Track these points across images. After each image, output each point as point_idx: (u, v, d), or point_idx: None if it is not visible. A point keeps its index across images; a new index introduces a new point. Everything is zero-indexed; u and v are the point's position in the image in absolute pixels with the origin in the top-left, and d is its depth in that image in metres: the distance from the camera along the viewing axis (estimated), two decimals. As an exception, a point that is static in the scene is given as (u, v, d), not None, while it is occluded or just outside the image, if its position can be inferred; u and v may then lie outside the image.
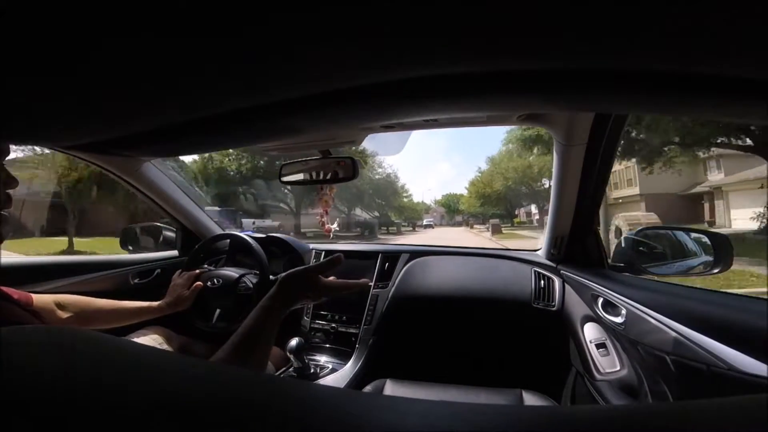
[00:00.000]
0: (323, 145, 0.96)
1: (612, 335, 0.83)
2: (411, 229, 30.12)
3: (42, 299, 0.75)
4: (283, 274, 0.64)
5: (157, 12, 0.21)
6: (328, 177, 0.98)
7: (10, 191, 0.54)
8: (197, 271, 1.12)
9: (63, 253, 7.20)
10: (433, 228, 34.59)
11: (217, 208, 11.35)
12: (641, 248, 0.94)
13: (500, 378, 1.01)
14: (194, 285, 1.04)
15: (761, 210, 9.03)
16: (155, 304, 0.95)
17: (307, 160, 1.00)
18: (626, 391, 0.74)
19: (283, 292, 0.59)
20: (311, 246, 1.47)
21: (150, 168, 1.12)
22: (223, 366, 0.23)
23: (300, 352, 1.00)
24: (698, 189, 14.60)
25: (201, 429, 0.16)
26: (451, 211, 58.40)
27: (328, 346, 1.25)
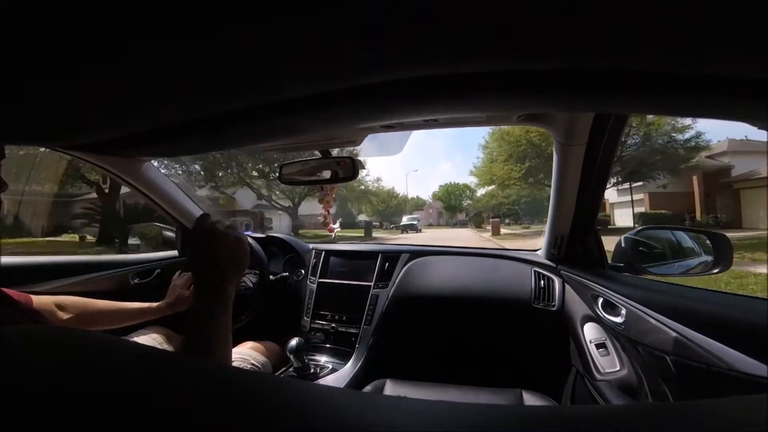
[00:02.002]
0: (323, 145, 0.96)
1: (612, 335, 0.83)
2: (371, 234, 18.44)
3: (42, 300, 0.75)
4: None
5: (157, 13, 0.21)
6: (328, 177, 0.98)
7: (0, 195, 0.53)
8: None
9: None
10: (418, 231, 24.47)
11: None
12: (641, 248, 0.94)
13: (500, 378, 1.01)
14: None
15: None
16: (155, 304, 0.95)
17: (307, 160, 1.00)
18: (626, 391, 0.74)
19: (207, 289, 0.48)
20: (311, 246, 1.47)
21: (150, 168, 1.12)
22: (223, 366, 0.23)
23: (300, 352, 1.00)
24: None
25: (201, 428, 0.16)
26: (450, 206, 46.21)
27: (328, 346, 1.25)
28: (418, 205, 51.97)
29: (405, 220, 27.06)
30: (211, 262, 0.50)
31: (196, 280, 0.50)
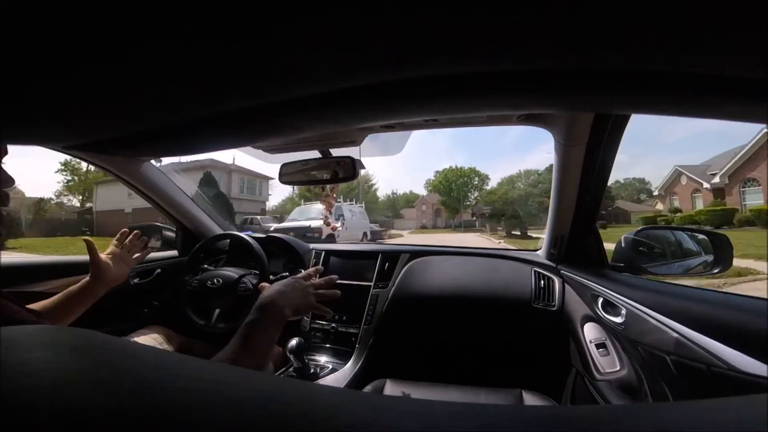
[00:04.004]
0: (323, 145, 0.96)
1: (612, 335, 0.83)
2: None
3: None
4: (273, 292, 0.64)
5: (159, 17, 0.21)
6: (328, 177, 0.98)
7: (7, 190, 0.54)
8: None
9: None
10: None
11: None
12: (641, 248, 0.94)
13: (500, 378, 1.01)
14: (138, 252, 0.90)
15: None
16: (85, 280, 0.80)
17: (307, 160, 1.00)
18: (626, 391, 0.74)
19: (272, 313, 0.59)
20: (311, 246, 1.47)
21: (150, 168, 1.12)
22: (223, 366, 0.23)
23: (300, 352, 0.99)
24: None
25: (201, 429, 0.16)
26: (452, 201, 31.69)
27: (328, 346, 1.25)
28: (409, 201, 40.90)
29: (295, 214, 11.19)
30: (281, 307, 0.60)
31: (262, 314, 0.59)
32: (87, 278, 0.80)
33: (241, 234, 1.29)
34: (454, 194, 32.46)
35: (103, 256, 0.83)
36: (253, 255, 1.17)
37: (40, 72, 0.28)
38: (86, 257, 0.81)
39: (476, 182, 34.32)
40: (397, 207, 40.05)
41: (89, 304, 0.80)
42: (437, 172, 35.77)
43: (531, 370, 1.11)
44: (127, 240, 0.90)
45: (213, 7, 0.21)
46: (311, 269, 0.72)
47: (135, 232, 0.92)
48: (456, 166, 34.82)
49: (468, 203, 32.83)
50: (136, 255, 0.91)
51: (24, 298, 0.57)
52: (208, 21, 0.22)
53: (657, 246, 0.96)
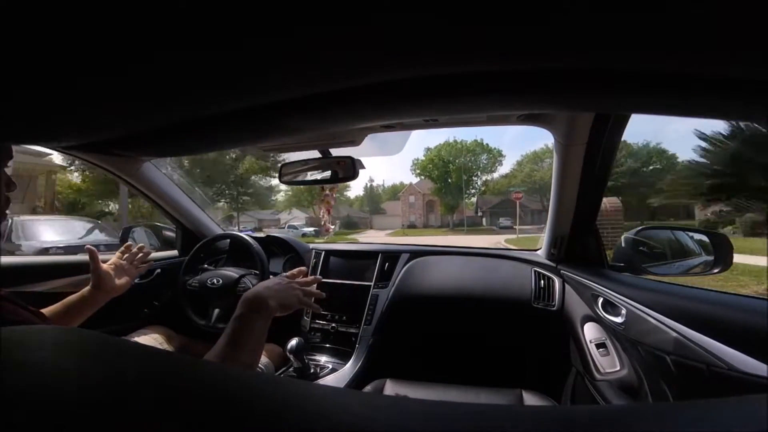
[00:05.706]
0: (323, 145, 0.96)
1: (612, 335, 0.83)
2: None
3: None
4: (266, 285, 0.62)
5: (160, 20, 0.21)
6: (328, 177, 0.98)
7: (9, 194, 0.54)
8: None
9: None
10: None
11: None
12: (641, 248, 0.94)
13: (500, 378, 1.01)
14: (140, 263, 0.89)
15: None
16: (85, 289, 0.79)
17: (307, 160, 1.00)
18: (626, 391, 0.74)
19: (259, 306, 0.57)
20: (311, 246, 1.47)
21: (150, 168, 1.12)
22: (223, 366, 0.23)
23: (300, 352, 1.00)
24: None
25: (201, 429, 0.16)
26: (447, 191, 22.03)
27: (328, 346, 1.25)
28: (397, 191, 30.70)
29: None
30: (265, 299, 0.59)
31: (247, 309, 0.57)
32: (87, 287, 0.79)
33: (241, 234, 1.29)
34: (452, 180, 22.12)
35: (104, 266, 0.83)
36: (253, 255, 1.17)
37: (41, 73, 0.28)
38: (86, 257, 0.81)
39: (485, 162, 23.37)
40: (377, 200, 30.33)
41: (89, 314, 0.79)
42: (428, 149, 23.61)
43: (531, 370, 1.11)
44: (131, 252, 0.90)
45: (213, 11, 0.21)
46: (295, 270, 0.72)
47: (140, 245, 0.93)
48: (455, 140, 23.02)
49: (473, 191, 22.75)
50: (141, 265, 0.91)
51: (24, 298, 0.58)
52: (208, 24, 0.22)
53: (657, 246, 0.96)
